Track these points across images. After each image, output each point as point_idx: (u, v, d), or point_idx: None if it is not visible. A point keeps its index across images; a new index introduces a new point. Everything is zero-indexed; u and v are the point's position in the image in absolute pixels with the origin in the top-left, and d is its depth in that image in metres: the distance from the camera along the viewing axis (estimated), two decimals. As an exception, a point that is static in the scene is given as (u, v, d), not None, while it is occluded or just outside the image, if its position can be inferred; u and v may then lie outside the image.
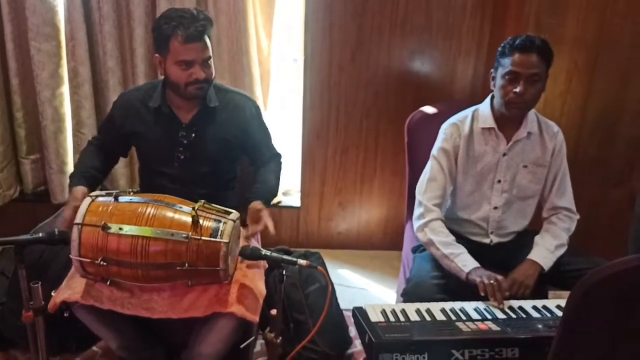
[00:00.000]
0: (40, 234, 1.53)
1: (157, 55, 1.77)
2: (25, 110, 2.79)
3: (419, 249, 2.05)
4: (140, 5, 2.57)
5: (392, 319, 1.55)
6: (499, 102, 1.85)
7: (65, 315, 1.62)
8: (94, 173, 1.83)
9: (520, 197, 1.96)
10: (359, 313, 1.56)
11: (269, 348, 1.60)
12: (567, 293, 1.08)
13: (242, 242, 1.73)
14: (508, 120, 1.90)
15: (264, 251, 1.53)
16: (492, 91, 1.90)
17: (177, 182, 1.87)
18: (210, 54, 1.76)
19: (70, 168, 2.87)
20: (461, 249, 1.85)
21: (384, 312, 1.58)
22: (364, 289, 2.74)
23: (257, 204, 1.78)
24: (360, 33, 2.69)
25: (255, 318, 1.62)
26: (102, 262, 1.48)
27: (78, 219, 1.50)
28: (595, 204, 2.49)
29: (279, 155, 2.06)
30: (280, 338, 1.53)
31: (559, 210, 1.97)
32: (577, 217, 1.98)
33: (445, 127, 1.98)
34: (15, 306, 1.93)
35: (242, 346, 1.66)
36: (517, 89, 1.77)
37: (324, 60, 2.73)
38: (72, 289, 1.60)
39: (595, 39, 2.30)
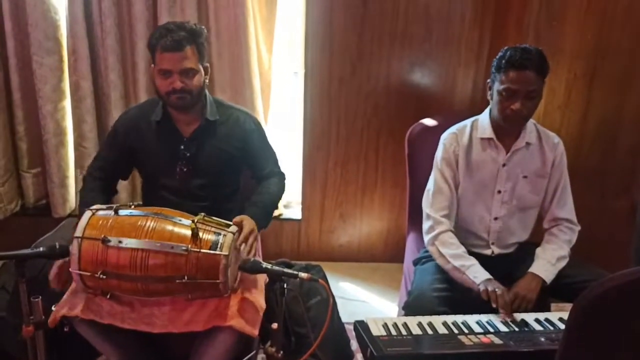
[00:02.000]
0: (41, 248, 1.53)
1: (152, 65, 1.81)
2: (27, 124, 2.80)
3: (420, 261, 2.05)
4: (142, 20, 2.59)
5: (394, 332, 1.54)
6: (496, 116, 1.85)
7: (66, 329, 1.62)
8: None
9: (520, 208, 1.96)
10: (361, 326, 1.56)
11: (270, 362, 1.59)
12: (569, 305, 1.08)
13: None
14: (506, 131, 1.90)
15: (264, 264, 1.53)
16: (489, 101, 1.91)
17: (179, 194, 1.89)
18: (193, 65, 1.76)
19: (71, 182, 2.88)
20: (472, 261, 1.84)
21: (385, 326, 1.57)
22: (366, 302, 2.73)
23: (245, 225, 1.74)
24: (360, 46, 2.71)
25: (255, 332, 1.61)
26: (101, 276, 1.48)
27: (78, 232, 1.50)
28: (597, 215, 2.48)
29: (282, 175, 2.04)
30: (282, 352, 1.52)
31: (560, 222, 1.97)
32: (578, 228, 1.98)
33: (444, 137, 1.98)
34: (15, 321, 1.92)
35: (243, 360, 1.65)
36: (515, 107, 1.76)
37: (324, 73, 2.75)
38: (72, 303, 1.60)
39: (593, 49, 2.31)
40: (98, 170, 1.94)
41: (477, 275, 1.79)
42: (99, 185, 1.92)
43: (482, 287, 1.74)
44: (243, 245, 1.66)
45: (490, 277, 1.78)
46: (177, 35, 1.72)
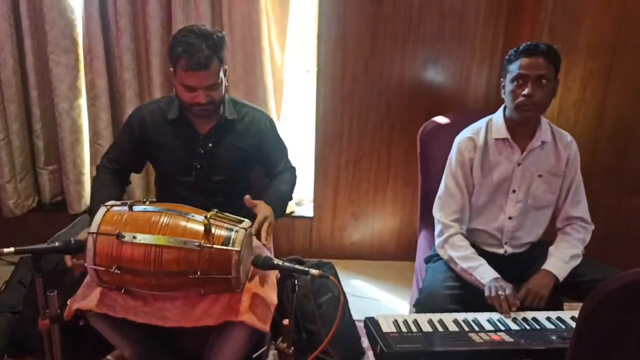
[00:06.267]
0: (57, 243, 1.56)
1: (171, 69, 1.81)
2: (44, 121, 2.85)
3: (432, 259, 2.04)
4: (157, 19, 2.62)
5: (404, 329, 1.55)
6: (509, 107, 1.85)
7: (81, 323, 1.64)
8: None
9: (535, 207, 1.95)
10: (371, 323, 1.56)
11: (281, 358, 1.60)
12: (582, 304, 1.07)
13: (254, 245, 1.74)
14: (521, 130, 1.89)
15: (276, 260, 1.54)
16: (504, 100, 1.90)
17: (194, 190, 1.91)
18: (217, 79, 1.76)
19: (87, 178, 2.91)
20: (480, 261, 1.84)
21: (396, 323, 1.57)
22: (377, 300, 2.73)
23: (263, 211, 1.77)
24: (374, 43, 2.70)
25: (266, 327, 1.63)
26: (116, 271, 1.50)
27: (93, 228, 1.52)
28: (612, 213, 2.46)
29: (293, 169, 2.10)
30: (293, 348, 1.53)
31: (574, 221, 1.95)
32: (592, 227, 1.96)
33: (459, 140, 1.97)
34: (32, 315, 1.96)
35: (254, 356, 1.66)
36: (526, 91, 1.77)
37: (337, 70, 2.75)
38: (87, 297, 1.62)
39: (610, 46, 2.29)
40: (112, 161, 1.97)
41: (484, 275, 1.79)
42: (112, 177, 1.95)
43: (486, 291, 1.73)
44: (263, 233, 1.69)
45: (498, 276, 1.77)
46: (202, 54, 1.69)
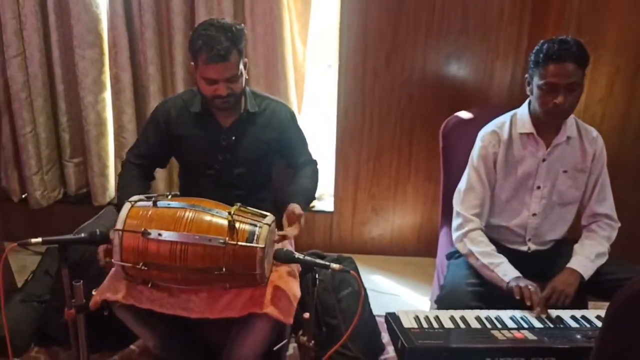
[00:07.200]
0: (83, 234, 1.59)
1: (192, 63, 1.83)
2: (70, 115, 2.90)
3: (453, 255, 2.03)
4: (180, 14, 2.63)
5: (425, 325, 1.54)
6: (538, 111, 1.81)
7: (105, 313, 1.67)
8: None
9: (559, 204, 1.92)
10: (392, 318, 1.56)
11: (301, 351, 1.61)
12: (607, 303, 1.05)
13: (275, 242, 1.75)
14: (547, 125, 1.86)
15: (297, 254, 1.55)
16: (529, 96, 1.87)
17: (216, 183, 1.93)
18: (237, 71, 1.77)
19: (111, 171, 2.96)
20: (501, 259, 1.82)
21: (417, 319, 1.57)
22: (397, 296, 2.73)
23: (296, 207, 1.80)
24: (395, 37, 2.68)
25: (289, 320, 1.64)
26: (143, 267, 1.53)
27: (119, 224, 1.54)
28: (638, 212, 2.41)
29: (314, 162, 2.10)
30: (313, 342, 1.54)
31: (599, 218, 1.92)
32: (618, 224, 1.92)
33: (483, 134, 1.95)
34: (58, 304, 2.00)
35: (275, 348, 1.68)
36: (557, 100, 1.72)
37: (359, 65, 2.74)
38: (114, 288, 1.65)
39: (637, 42, 2.24)
40: (137, 157, 1.99)
41: (506, 273, 1.76)
42: (138, 172, 1.97)
43: (513, 284, 1.71)
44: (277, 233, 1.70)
45: (520, 275, 1.75)
46: (221, 46, 1.70)
